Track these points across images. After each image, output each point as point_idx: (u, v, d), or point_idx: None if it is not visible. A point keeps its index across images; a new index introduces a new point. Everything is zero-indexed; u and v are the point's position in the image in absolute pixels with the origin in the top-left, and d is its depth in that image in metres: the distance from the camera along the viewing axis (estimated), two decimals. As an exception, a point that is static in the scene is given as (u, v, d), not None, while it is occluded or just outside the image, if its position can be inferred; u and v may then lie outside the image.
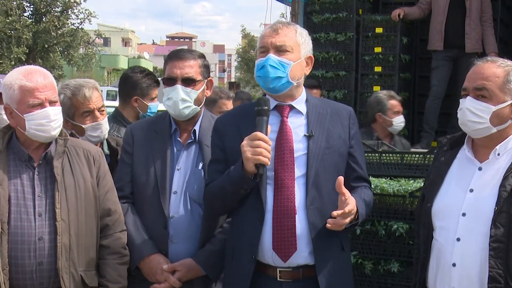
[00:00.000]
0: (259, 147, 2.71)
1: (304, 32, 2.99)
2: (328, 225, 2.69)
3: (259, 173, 2.74)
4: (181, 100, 3.20)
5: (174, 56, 3.28)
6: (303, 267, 2.84)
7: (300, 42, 2.92)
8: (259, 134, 2.73)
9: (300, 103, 2.98)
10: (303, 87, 3.04)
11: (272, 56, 2.85)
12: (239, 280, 2.87)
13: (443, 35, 6.29)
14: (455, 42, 6.28)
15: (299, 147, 2.87)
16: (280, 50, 2.86)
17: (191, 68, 3.23)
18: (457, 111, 2.75)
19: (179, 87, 3.20)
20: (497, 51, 6.17)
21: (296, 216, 2.80)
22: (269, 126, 2.81)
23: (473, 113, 2.66)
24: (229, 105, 6.05)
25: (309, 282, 2.83)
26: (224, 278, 3.07)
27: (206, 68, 3.32)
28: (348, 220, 2.70)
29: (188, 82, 3.22)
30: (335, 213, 2.67)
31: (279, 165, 2.82)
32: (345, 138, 2.95)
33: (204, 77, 3.29)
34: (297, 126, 2.92)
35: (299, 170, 2.84)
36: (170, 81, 3.24)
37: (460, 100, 2.74)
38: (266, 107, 2.82)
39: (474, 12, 6.26)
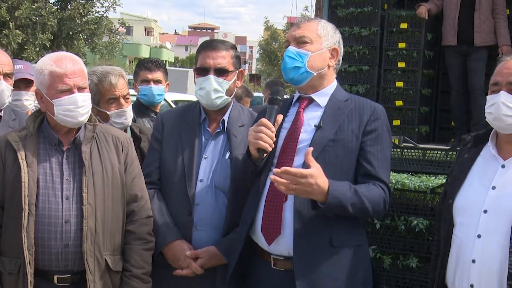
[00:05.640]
0: (260, 132, 2.82)
1: (329, 25, 3.04)
2: (271, 176, 2.69)
3: (259, 157, 2.86)
4: (214, 90, 3.24)
5: (207, 46, 3.32)
6: None
7: (322, 34, 2.99)
8: (263, 120, 2.85)
9: (321, 96, 3.01)
10: (336, 81, 3.09)
11: (291, 47, 2.96)
12: (232, 255, 3.03)
13: (456, 30, 6.25)
14: (465, 37, 6.22)
15: (305, 137, 2.91)
16: (299, 42, 2.97)
17: (223, 58, 3.27)
18: (487, 106, 2.73)
19: (211, 77, 3.24)
20: (511, 43, 6.10)
21: (286, 203, 2.85)
22: (280, 115, 2.93)
23: (508, 107, 2.65)
24: (249, 104, 6.35)
25: None
26: None
27: (237, 59, 3.36)
28: (295, 186, 2.64)
29: (221, 72, 3.26)
30: (275, 170, 2.69)
31: (282, 153, 2.91)
32: (358, 133, 2.89)
33: (235, 68, 3.33)
34: (311, 118, 2.97)
35: (299, 160, 2.86)
36: (203, 71, 3.28)
37: (490, 95, 2.72)
38: (278, 97, 2.94)
39: (485, 5, 6.18)
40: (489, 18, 6.19)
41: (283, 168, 2.66)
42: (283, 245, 2.86)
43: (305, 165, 2.79)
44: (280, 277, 2.89)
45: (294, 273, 2.79)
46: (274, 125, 2.88)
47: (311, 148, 2.73)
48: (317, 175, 2.67)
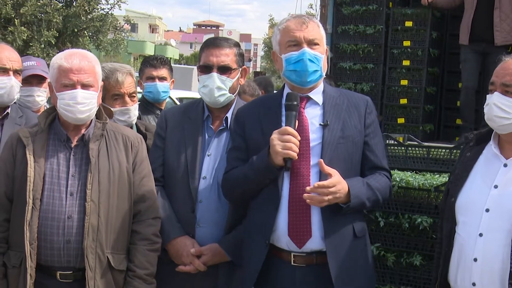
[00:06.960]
0: (289, 142, 2.79)
1: (321, 25, 3.09)
2: (304, 195, 2.75)
3: (287, 166, 2.82)
4: (217, 88, 3.25)
5: (210, 44, 3.32)
6: (317, 252, 2.89)
7: (323, 35, 3.03)
8: (289, 129, 2.82)
9: (317, 93, 3.04)
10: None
11: (308, 49, 2.92)
12: (252, 263, 2.96)
13: (469, 29, 6.15)
14: (482, 36, 6.10)
15: (314, 136, 2.94)
16: (311, 43, 2.94)
17: (227, 56, 3.27)
18: (484, 106, 2.75)
19: (215, 75, 3.25)
20: None
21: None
22: (296, 121, 2.89)
23: (500, 109, 2.66)
24: None
25: (322, 268, 2.86)
26: (240, 261, 3.12)
27: (241, 57, 3.36)
28: (328, 197, 2.74)
29: (224, 70, 3.27)
30: (308, 188, 2.76)
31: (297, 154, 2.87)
32: (361, 128, 2.99)
33: (239, 66, 3.34)
34: (313, 116, 2.99)
35: (314, 159, 2.89)
36: (206, 69, 3.29)
37: (487, 95, 2.73)
38: (296, 102, 2.90)
39: (505, 3, 6.04)
40: (510, 16, 6.05)
41: (316, 183, 2.75)
42: (310, 245, 2.88)
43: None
44: (300, 272, 2.91)
45: (328, 267, 2.84)
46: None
47: (321, 160, 2.80)
48: (340, 180, 2.79)
